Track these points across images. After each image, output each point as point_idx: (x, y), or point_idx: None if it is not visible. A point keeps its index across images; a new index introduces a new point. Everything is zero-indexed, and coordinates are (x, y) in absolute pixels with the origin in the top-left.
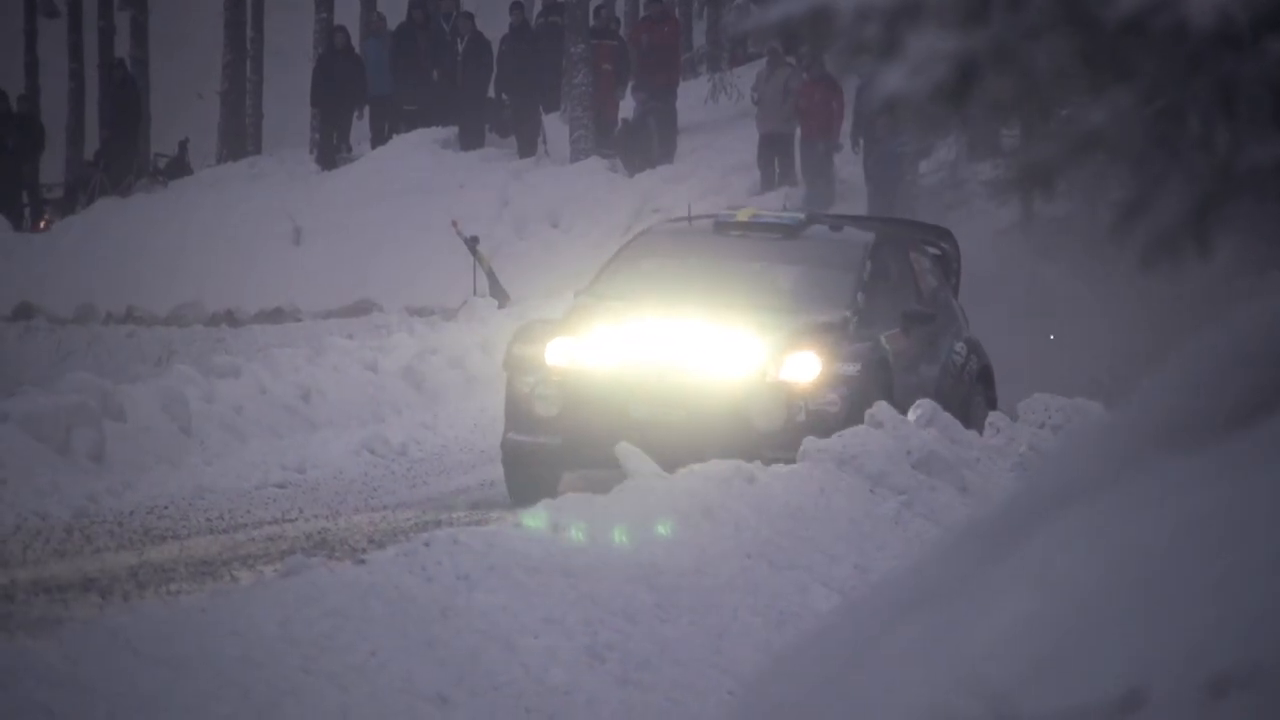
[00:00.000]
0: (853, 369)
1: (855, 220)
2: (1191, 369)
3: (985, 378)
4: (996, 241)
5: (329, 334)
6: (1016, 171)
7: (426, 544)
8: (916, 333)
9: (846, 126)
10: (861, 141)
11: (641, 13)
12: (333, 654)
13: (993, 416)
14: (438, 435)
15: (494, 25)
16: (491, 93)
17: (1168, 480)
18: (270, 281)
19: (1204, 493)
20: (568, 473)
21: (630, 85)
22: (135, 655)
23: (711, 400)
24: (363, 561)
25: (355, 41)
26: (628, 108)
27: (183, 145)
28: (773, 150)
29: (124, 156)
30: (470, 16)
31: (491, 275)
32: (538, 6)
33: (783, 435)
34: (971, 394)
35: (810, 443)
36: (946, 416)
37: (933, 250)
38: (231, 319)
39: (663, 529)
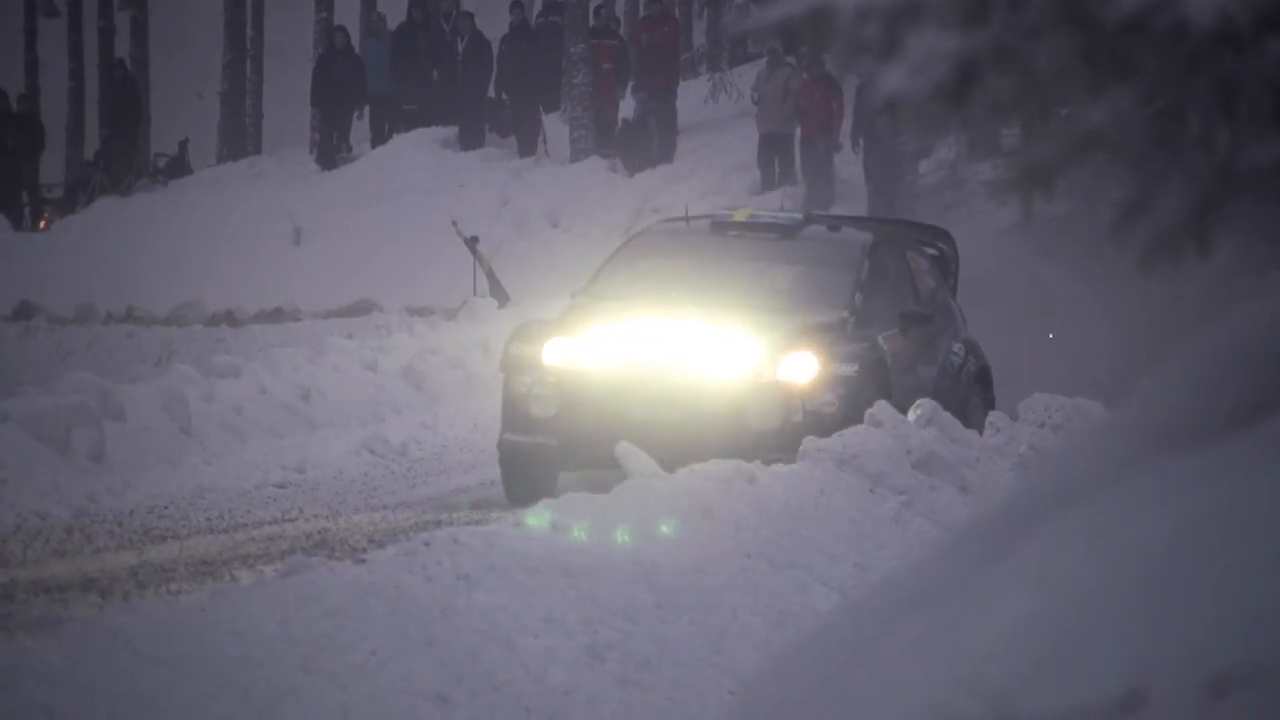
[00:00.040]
0: (850, 370)
1: (853, 221)
2: (1191, 369)
3: (983, 378)
4: (996, 241)
5: (329, 334)
6: (1016, 171)
7: (426, 544)
8: (914, 333)
9: (846, 126)
10: (861, 141)
11: (641, 13)
12: (333, 654)
13: (993, 416)
14: (438, 435)
15: (494, 25)
16: (491, 92)
17: (1168, 480)
18: (270, 281)
19: (1204, 493)
20: (566, 473)
21: (630, 85)
22: (135, 655)
23: (708, 401)
24: (363, 561)
25: (355, 41)
26: (628, 108)
27: (183, 145)
28: (773, 150)
29: (124, 156)
30: (470, 16)
31: (491, 275)
32: (538, 6)
33: (780, 436)
34: (969, 395)
35: (810, 442)
36: (946, 416)
37: (931, 251)
38: (231, 319)
39: (663, 529)
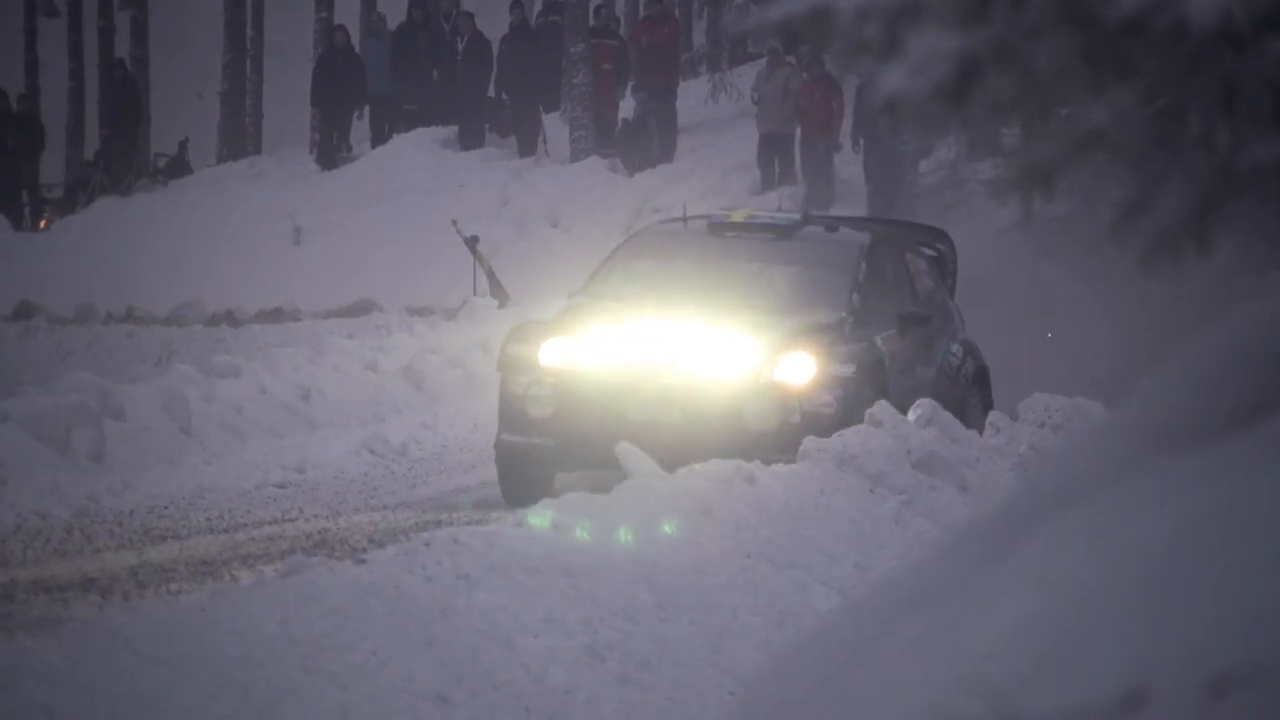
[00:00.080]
0: (848, 370)
1: (851, 221)
2: (1191, 369)
3: (981, 379)
4: (996, 241)
5: (329, 334)
6: (1016, 171)
7: (426, 544)
8: (912, 334)
9: (846, 126)
10: (861, 141)
11: (641, 13)
12: (333, 654)
13: (993, 416)
14: (438, 435)
15: (494, 25)
16: (491, 92)
17: (1168, 480)
18: (270, 281)
19: (1204, 493)
20: (565, 473)
21: (630, 85)
22: (135, 655)
23: (706, 401)
24: (363, 561)
25: (355, 41)
26: (628, 108)
27: (183, 145)
28: (773, 150)
29: (124, 156)
30: (470, 16)
31: (491, 275)
32: (538, 6)
33: (777, 436)
34: (967, 395)
35: (810, 442)
36: (947, 416)
37: (929, 251)
38: (231, 319)
39: (663, 529)
